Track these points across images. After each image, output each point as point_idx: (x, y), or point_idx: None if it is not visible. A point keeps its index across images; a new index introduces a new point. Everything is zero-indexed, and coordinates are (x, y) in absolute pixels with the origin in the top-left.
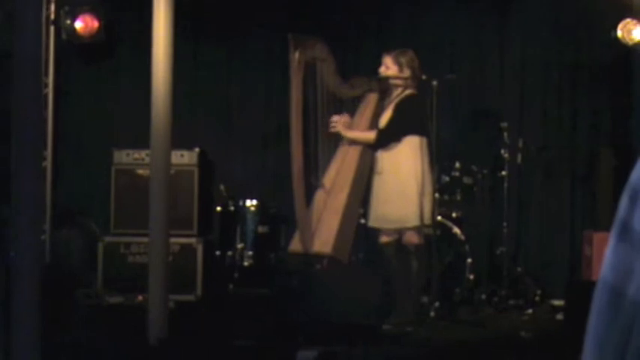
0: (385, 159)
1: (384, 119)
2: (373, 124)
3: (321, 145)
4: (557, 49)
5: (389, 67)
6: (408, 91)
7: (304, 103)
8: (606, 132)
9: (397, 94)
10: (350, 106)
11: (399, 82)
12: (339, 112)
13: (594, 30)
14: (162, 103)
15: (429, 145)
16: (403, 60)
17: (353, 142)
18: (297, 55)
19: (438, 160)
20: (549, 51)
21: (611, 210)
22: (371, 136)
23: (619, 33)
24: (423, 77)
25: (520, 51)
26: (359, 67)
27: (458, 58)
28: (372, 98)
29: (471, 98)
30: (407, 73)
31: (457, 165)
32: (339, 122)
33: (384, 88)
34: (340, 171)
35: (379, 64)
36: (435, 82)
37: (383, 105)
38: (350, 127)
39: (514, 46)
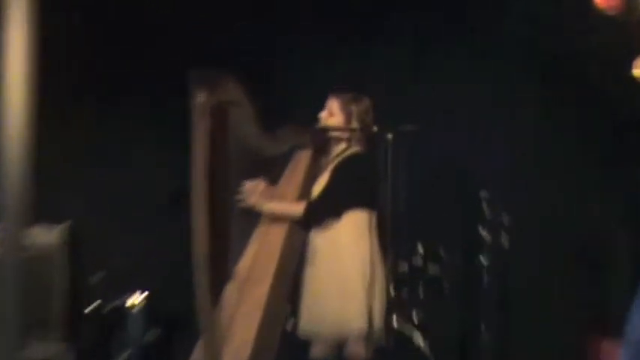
0: (320, 242)
1: (320, 186)
2: (304, 192)
3: (235, 221)
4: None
5: (333, 114)
6: (353, 149)
7: (211, 164)
8: (622, 205)
9: (339, 152)
10: (274, 167)
11: (343, 135)
12: (261, 174)
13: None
14: (18, 163)
15: (382, 222)
16: (355, 108)
17: (276, 218)
18: (201, 98)
19: (393, 242)
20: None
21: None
22: (299, 209)
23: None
24: (374, 129)
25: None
26: (289, 113)
27: (421, 103)
28: (303, 157)
29: (440, 157)
30: (354, 125)
31: (420, 249)
32: (253, 191)
33: (321, 142)
34: (258, 257)
35: (318, 108)
36: (389, 136)
37: (319, 166)
38: (271, 197)
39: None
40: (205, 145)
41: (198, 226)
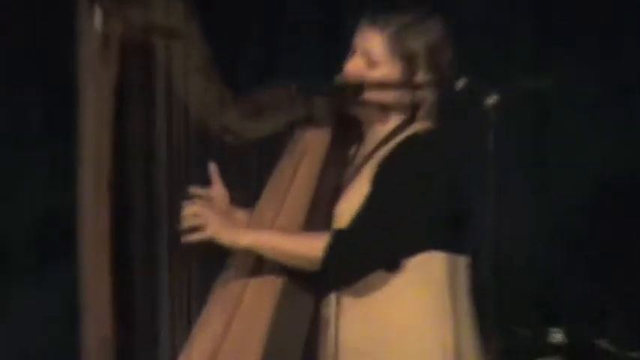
0: (356, 322)
1: (351, 200)
2: (318, 213)
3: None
4: None
5: (373, 60)
6: (418, 125)
7: (119, 157)
8: None
9: (388, 133)
10: (253, 164)
11: (396, 98)
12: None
13: None
14: None
15: (480, 275)
16: (420, 45)
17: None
18: (98, 23)
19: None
20: None
21: None
22: (315, 248)
23: None
24: (459, 84)
25: None
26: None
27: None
28: (313, 142)
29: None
30: (421, 77)
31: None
32: (209, 211)
33: (347, 114)
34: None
35: (339, 52)
36: (492, 99)
37: (344, 159)
38: (254, 222)
39: None
40: (105, 119)
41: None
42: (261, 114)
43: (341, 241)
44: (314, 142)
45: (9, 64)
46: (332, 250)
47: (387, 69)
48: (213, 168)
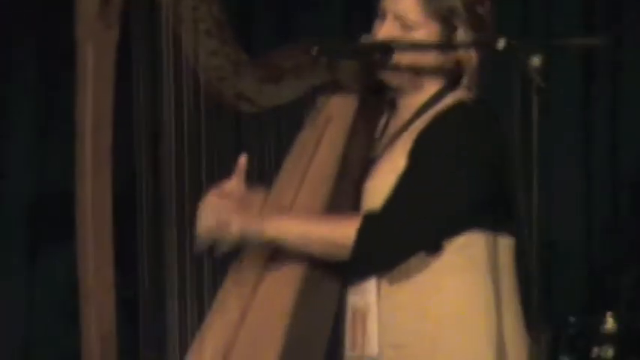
0: (393, 310)
1: (384, 178)
2: (344, 192)
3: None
4: None
5: (406, 21)
6: (457, 94)
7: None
8: None
9: (424, 102)
10: (269, 137)
11: (431, 62)
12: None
13: None
14: None
15: (526, 257)
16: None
17: (282, 254)
18: None
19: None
20: None
21: None
22: (346, 233)
23: None
24: (501, 44)
25: None
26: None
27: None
28: (338, 111)
29: None
30: (461, 37)
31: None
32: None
33: (375, 79)
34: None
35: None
36: (536, 60)
37: (373, 131)
38: (274, 205)
39: None
40: (106, 85)
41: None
42: (279, 79)
43: (375, 224)
44: (339, 111)
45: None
46: (365, 235)
47: (424, 31)
48: (242, 162)
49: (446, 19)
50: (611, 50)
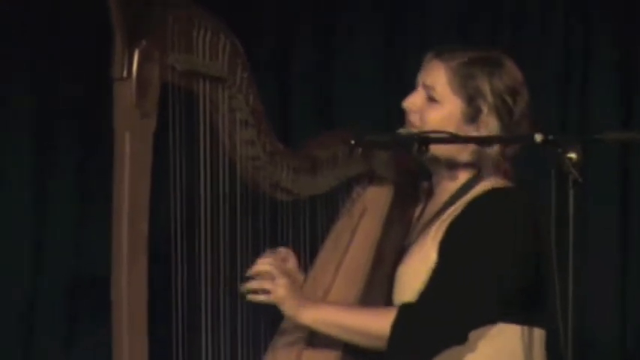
0: None
1: (417, 268)
2: (378, 282)
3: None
4: None
5: (439, 101)
6: (489, 182)
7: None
8: None
9: (458, 188)
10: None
11: (464, 148)
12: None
13: None
14: None
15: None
16: (483, 80)
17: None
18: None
19: None
20: None
21: None
22: (382, 324)
23: None
24: (538, 138)
25: None
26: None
27: None
28: (370, 200)
29: None
30: (486, 117)
31: None
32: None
33: (408, 166)
34: None
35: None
36: (572, 155)
37: (408, 219)
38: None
39: None
40: (141, 177)
41: None
42: (316, 169)
43: (410, 318)
44: (374, 201)
45: (41, 116)
46: (400, 329)
47: (449, 107)
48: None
49: (471, 99)
50: None
